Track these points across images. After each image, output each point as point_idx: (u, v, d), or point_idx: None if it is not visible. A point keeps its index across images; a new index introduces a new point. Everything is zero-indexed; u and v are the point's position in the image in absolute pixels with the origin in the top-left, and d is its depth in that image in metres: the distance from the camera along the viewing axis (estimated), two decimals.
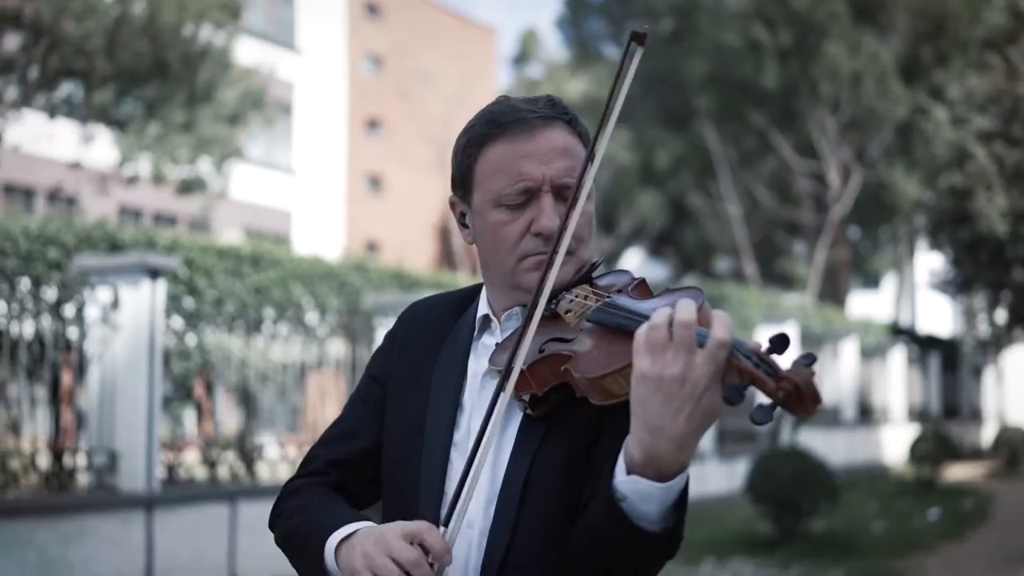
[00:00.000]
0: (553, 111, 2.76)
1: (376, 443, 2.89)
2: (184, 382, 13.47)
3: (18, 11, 23.83)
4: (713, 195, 43.64)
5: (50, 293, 11.78)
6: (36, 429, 11.79)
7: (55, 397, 11.79)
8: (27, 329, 11.60)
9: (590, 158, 2.58)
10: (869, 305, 52.90)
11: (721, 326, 2.22)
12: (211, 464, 13.12)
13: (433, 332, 2.91)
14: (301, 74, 46.12)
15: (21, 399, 11.75)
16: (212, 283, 13.62)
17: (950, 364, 36.64)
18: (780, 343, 2.21)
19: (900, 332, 34.14)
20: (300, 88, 46.20)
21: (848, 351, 29.03)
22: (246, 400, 14.59)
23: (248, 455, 13.44)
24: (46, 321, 11.66)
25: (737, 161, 42.51)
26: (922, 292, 50.84)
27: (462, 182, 2.82)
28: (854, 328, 30.84)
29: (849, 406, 29.13)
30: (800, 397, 2.16)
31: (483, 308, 2.85)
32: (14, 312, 11.43)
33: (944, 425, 30.04)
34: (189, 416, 14.39)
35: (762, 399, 2.22)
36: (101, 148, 27.68)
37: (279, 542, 2.86)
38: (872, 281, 57.96)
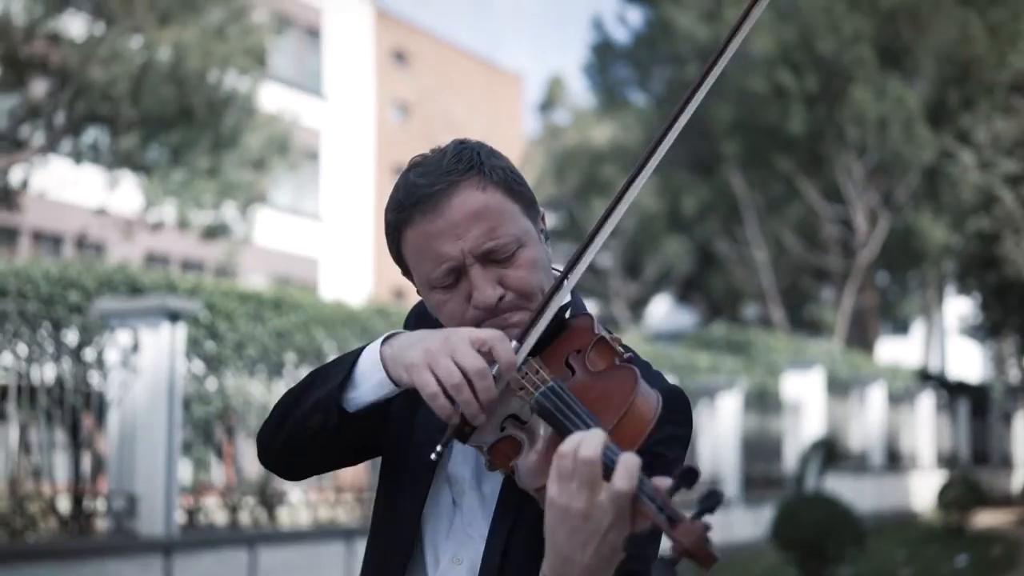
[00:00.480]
0: (457, 168, 2.63)
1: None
2: (205, 427, 13.44)
3: (44, 57, 24.01)
4: (740, 241, 43.59)
5: (71, 336, 11.77)
6: (56, 473, 11.76)
7: (75, 441, 11.76)
8: (48, 373, 11.59)
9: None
10: (898, 351, 52.70)
11: (623, 474, 2.15)
12: (232, 509, 13.09)
13: None
14: (328, 121, 46.31)
15: (43, 444, 11.72)
16: (233, 327, 13.60)
17: (979, 410, 36.42)
18: (688, 478, 2.14)
19: (928, 377, 33.96)
20: (327, 135, 46.40)
21: (876, 397, 28.88)
22: None
23: (269, 501, 13.40)
24: (66, 364, 11.65)
25: (764, 207, 42.46)
26: (951, 337, 50.62)
27: (400, 264, 2.76)
28: (882, 374, 30.69)
29: (877, 452, 28.97)
30: (694, 556, 2.11)
31: None
32: (35, 355, 11.42)
33: (973, 471, 29.82)
34: (211, 461, 14.35)
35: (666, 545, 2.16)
36: (126, 194, 27.79)
37: (286, 406, 2.71)
38: (901, 327, 57.73)
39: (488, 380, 2.42)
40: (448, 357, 2.43)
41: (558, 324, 2.65)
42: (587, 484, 2.17)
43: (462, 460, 2.68)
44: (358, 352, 2.61)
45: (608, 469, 2.18)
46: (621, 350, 2.56)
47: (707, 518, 2.12)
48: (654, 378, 2.60)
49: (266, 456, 2.78)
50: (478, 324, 2.59)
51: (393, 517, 2.73)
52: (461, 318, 2.62)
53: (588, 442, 2.19)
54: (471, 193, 2.60)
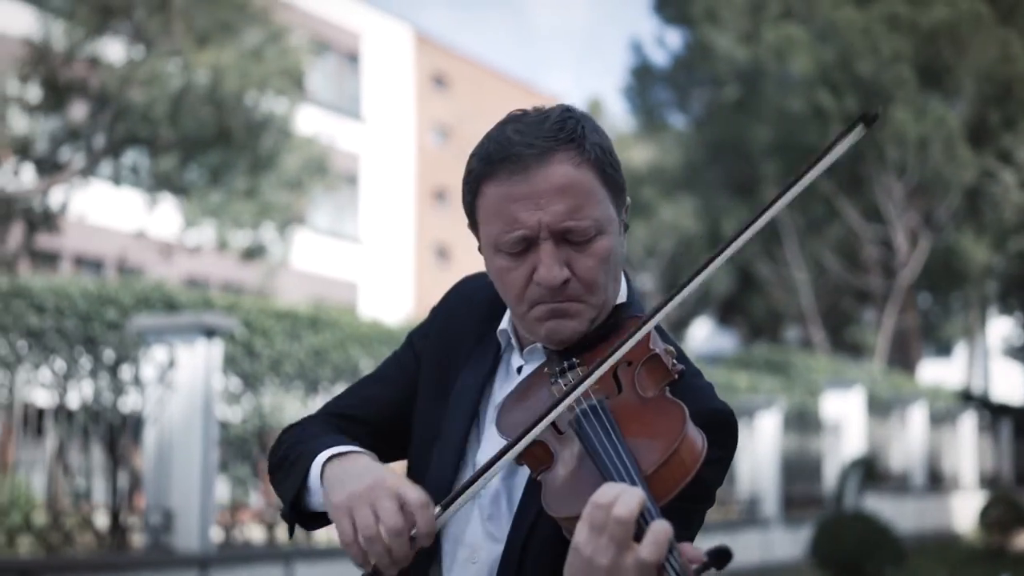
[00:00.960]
0: (557, 136, 2.51)
1: (383, 422, 2.80)
2: (242, 444, 13.47)
3: (84, 81, 24.22)
4: (780, 262, 43.44)
5: (108, 353, 11.83)
6: (93, 489, 11.82)
7: (112, 457, 11.82)
8: (85, 389, 11.66)
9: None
10: (941, 373, 52.41)
11: (653, 544, 2.04)
12: (269, 526, 13.12)
13: (468, 335, 2.79)
14: (367, 145, 46.48)
15: (83, 465, 11.80)
16: (270, 344, 13.63)
17: (1022, 430, 36.16)
18: (719, 559, 2.06)
19: (970, 398, 33.76)
20: (366, 158, 46.57)
21: (917, 417, 28.72)
22: None
23: None
24: (103, 381, 11.72)
25: (804, 228, 42.30)
26: (994, 359, 50.35)
27: (469, 215, 2.65)
28: (923, 394, 30.51)
29: (918, 473, 28.79)
30: None
31: (505, 322, 2.72)
32: (72, 372, 11.50)
33: (1015, 492, 29.62)
34: (247, 479, 14.39)
35: None
36: (165, 215, 27.96)
37: (272, 471, 2.71)
38: (944, 349, 57.46)
39: (402, 539, 2.35)
40: (369, 507, 2.36)
41: (612, 325, 2.58)
42: (616, 543, 2.06)
43: (493, 452, 2.57)
44: (314, 453, 2.58)
45: (640, 530, 2.07)
46: (672, 366, 2.47)
47: None
48: (704, 395, 2.53)
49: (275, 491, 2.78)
50: (538, 301, 2.52)
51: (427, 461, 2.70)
52: (521, 291, 2.53)
53: (625, 500, 2.06)
54: (564, 166, 2.50)
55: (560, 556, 2.31)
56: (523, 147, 2.50)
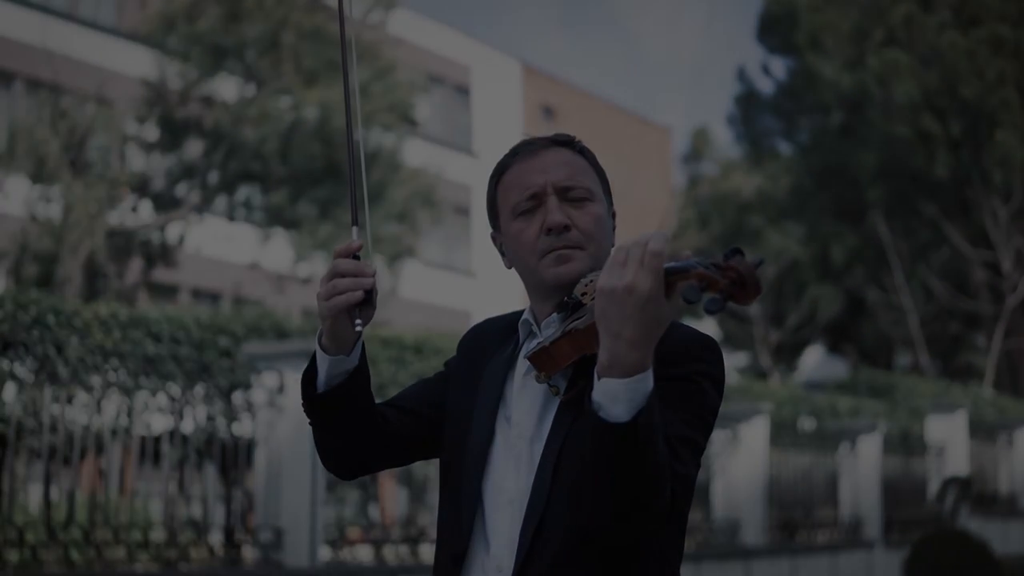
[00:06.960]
0: (559, 139, 3.27)
1: (421, 405, 3.32)
2: None
3: (199, 119, 24.92)
4: (888, 288, 43.26)
5: (221, 379, 12.32)
6: (208, 510, 12.26)
7: (226, 479, 12.30)
8: (199, 414, 12.13)
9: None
10: None
11: (655, 238, 2.59)
12: (376, 545, 13.49)
13: (491, 342, 3.30)
14: (479, 176, 46.86)
15: (199, 486, 12.29)
16: (376, 371, 13.97)
17: None
18: (732, 253, 2.58)
19: None
20: (478, 191, 46.93)
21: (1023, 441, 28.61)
22: (410, 483, 14.99)
23: (413, 538, 13.77)
24: (217, 406, 12.18)
25: (910, 253, 42.11)
26: None
27: (491, 212, 3.30)
28: None
29: None
30: (743, 283, 2.53)
31: (526, 313, 3.24)
32: (187, 398, 11.98)
33: None
34: (356, 500, 14.83)
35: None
36: (278, 249, 28.56)
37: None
38: None
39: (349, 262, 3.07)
40: (328, 275, 3.05)
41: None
42: (635, 261, 2.57)
43: (528, 406, 3.08)
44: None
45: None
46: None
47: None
48: (680, 328, 3.05)
49: (325, 460, 3.34)
50: (548, 250, 3.11)
51: (459, 478, 3.14)
52: (534, 244, 3.12)
53: (657, 237, 2.59)
54: (565, 152, 3.23)
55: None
56: (534, 142, 3.27)
